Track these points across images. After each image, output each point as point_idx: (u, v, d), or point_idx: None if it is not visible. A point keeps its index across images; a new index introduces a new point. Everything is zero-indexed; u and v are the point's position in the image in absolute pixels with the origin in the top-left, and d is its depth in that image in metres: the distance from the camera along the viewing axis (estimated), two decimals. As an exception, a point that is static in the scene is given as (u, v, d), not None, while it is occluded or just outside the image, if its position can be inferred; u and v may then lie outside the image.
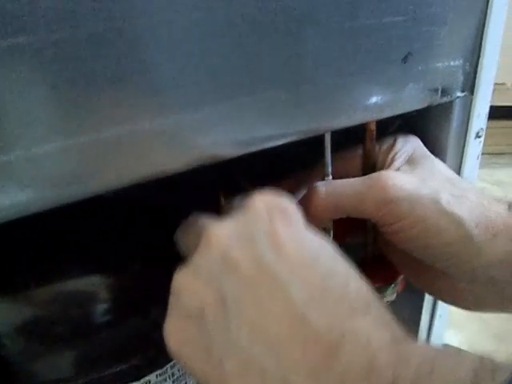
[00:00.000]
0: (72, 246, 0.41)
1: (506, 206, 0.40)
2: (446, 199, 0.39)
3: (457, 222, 0.38)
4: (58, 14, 0.24)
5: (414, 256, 0.41)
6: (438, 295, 0.46)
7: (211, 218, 0.34)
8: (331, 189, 0.41)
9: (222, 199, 0.46)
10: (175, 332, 0.31)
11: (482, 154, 0.50)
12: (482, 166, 0.51)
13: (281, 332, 0.27)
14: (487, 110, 0.48)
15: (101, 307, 0.41)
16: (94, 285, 0.41)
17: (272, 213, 0.31)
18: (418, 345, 0.27)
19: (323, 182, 0.43)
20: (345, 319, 0.27)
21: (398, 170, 0.42)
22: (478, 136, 0.49)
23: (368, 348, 0.26)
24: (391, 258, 0.47)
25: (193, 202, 0.47)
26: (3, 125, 0.25)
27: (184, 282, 0.31)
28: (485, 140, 0.49)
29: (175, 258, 0.43)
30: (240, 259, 0.29)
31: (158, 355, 0.41)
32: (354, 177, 0.45)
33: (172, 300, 0.32)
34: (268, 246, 0.29)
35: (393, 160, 0.43)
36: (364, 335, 0.26)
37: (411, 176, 0.41)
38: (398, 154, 0.44)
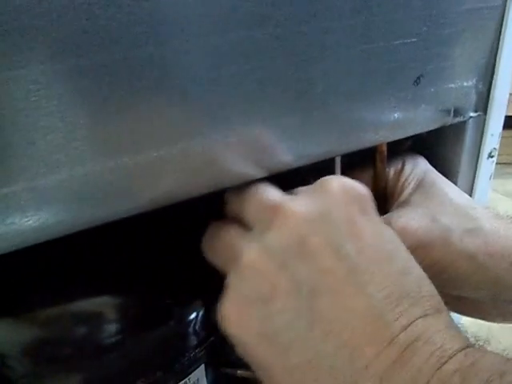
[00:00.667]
0: (79, 266, 0.41)
1: None
2: (458, 236, 0.39)
3: (470, 257, 0.38)
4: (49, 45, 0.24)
5: None
6: (461, 312, 0.45)
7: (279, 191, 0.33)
8: None
9: None
10: (236, 314, 0.29)
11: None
12: (493, 176, 0.50)
13: (357, 329, 0.26)
14: (500, 128, 0.48)
15: (107, 328, 0.40)
16: (101, 305, 0.41)
17: (349, 198, 0.30)
18: (488, 354, 0.26)
19: None
20: (420, 320, 0.26)
21: (408, 201, 0.42)
22: (490, 156, 0.48)
23: (442, 353, 0.25)
24: None
25: (196, 220, 0.46)
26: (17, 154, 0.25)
27: (255, 260, 0.29)
28: (497, 150, 0.49)
29: (182, 278, 0.43)
30: (319, 247, 0.28)
31: (162, 379, 0.41)
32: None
33: (236, 277, 0.30)
34: (347, 235, 0.29)
35: (403, 187, 0.43)
36: (438, 338, 0.26)
37: (422, 214, 0.40)
38: (408, 180, 0.43)
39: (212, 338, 0.43)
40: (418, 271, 0.30)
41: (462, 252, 0.38)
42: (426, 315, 0.27)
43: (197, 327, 0.43)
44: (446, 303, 0.45)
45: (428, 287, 0.29)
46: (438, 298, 0.29)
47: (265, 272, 0.29)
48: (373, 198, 0.32)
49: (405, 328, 0.26)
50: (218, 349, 0.44)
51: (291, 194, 0.33)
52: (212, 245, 0.35)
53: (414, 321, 0.26)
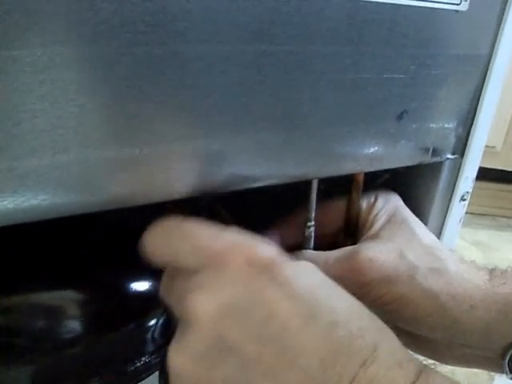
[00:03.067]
0: (43, 258, 0.41)
1: (488, 276, 0.40)
2: (423, 274, 0.40)
3: (433, 296, 0.39)
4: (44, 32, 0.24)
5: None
6: (415, 351, 0.46)
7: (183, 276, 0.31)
8: None
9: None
10: None
11: (465, 213, 0.51)
12: (463, 225, 0.51)
13: None
14: (475, 173, 0.49)
15: (66, 324, 0.40)
16: (61, 300, 0.40)
17: (256, 272, 0.29)
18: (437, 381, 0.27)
19: (303, 252, 0.43)
20: (361, 371, 0.26)
21: (378, 234, 0.43)
22: (462, 199, 0.49)
23: None
24: None
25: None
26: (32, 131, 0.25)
27: (183, 367, 0.29)
28: (469, 200, 0.50)
29: (148, 284, 0.43)
30: (240, 340, 0.28)
31: (115, 381, 0.41)
32: (336, 225, 0.45)
33: (172, 379, 0.30)
34: (263, 319, 0.28)
35: (374, 221, 0.44)
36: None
37: (390, 248, 0.41)
38: (379, 215, 0.44)
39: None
40: (343, 308, 0.29)
41: (425, 290, 0.39)
42: (365, 362, 0.27)
43: (155, 334, 0.43)
44: (401, 341, 0.46)
45: (358, 323, 0.29)
46: (371, 330, 0.29)
47: (197, 377, 0.29)
48: (284, 251, 0.32)
49: None
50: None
51: (193, 276, 0.31)
52: None
53: (356, 375, 0.26)
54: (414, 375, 0.27)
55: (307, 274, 0.31)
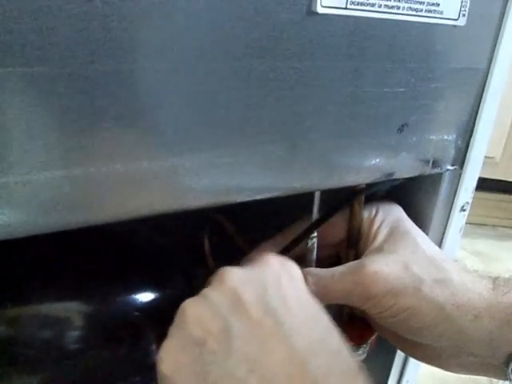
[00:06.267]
0: (53, 270, 0.41)
1: (491, 285, 0.41)
2: (429, 286, 0.40)
3: (438, 307, 0.40)
4: (72, 50, 0.25)
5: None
6: (421, 360, 0.47)
7: None
8: (318, 281, 0.42)
9: (207, 241, 0.47)
10: (171, 356, 0.31)
11: (465, 223, 0.51)
12: (463, 235, 0.52)
13: (280, 371, 0.28)
14: (474, 184, 0.50)
15: (73, 334, 0.41)
16: (70, 311, 0.41)
17: (282, 271, 0.34)
18: None
19: (310, 269, 0.44)
20: (343, 375, 0.29)
21: (382, 247, 0.44)
22: (462, 209, 0.50)
23: None
24: (376, 327, 0.47)
25: (177, 239, 0.47)
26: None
27: (191, 309, 0.32)
28: (469, 210, 0.50)
29: (153, 295, 0.44)
30: (249, 301, 0.31)
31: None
32: (338, 237, 0.46)
33: (175, 324, 0.32)
34: (275, 296, 0.32)
35: (376, 234, 0.45)
36: None
37: (395, 261, 0.42)
38: (382, 227, 0.45)
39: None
40: (336, 336, 0.32)
41: (431, 301, 0.40)
42: (348, 372, 0.30)
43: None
44: (406, 349, 0.46)
45: (345, 352, 0.31)
46: (357, 364, 0.31)
47: (200, 318, 0.31)
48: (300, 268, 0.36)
49: (327, 376, 0.28)
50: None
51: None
52: None
53: (337, 373, 0.29)
54: None
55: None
